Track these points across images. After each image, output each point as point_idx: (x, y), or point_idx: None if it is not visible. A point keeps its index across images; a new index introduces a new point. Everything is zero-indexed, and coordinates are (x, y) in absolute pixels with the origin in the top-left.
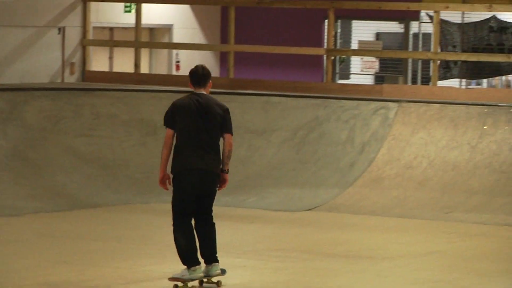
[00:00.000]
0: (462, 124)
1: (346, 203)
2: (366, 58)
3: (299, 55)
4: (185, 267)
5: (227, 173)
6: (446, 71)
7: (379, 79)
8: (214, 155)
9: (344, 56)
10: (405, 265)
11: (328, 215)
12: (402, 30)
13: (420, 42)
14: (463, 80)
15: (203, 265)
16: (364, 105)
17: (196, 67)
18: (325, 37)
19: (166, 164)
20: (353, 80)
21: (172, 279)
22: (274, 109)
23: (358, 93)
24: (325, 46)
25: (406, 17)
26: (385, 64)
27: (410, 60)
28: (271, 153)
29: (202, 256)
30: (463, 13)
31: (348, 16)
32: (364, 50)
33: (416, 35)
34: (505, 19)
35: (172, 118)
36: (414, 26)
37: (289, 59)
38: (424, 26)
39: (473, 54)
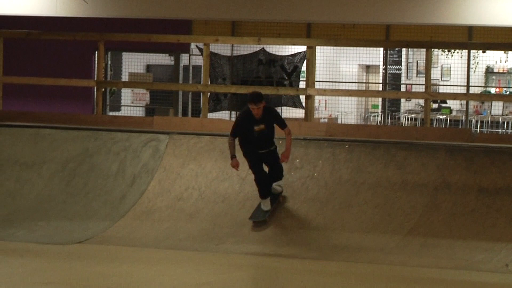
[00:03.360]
0: None
1: (117, 235)
2: (137, 90)
3: (70, 87)
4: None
5: None
6: (216, 103)
7: (150, 111)
8: None
9: (114, 88)
10: None
11: (99, 247)
12: (172, 62)
13: (190, 74)
14: (233, 112)
15: None
16: (135, 137)
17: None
18: (96, 69)
19: None
20: (124, 112)
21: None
22: (43, 141)
23: (129, 125)
24: (96, 78)
25: (177, 49)
26: (156, 96)
27: (180, 92)
28: (40, 186)
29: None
30: (232, 46)
31: (118, 48)
32: (134, 82)
33: (186, 67)
34: (273, 52)
35: None
36: (185, 58)
37: (60, 91)
38: (194, 58)
39: (242, 87)
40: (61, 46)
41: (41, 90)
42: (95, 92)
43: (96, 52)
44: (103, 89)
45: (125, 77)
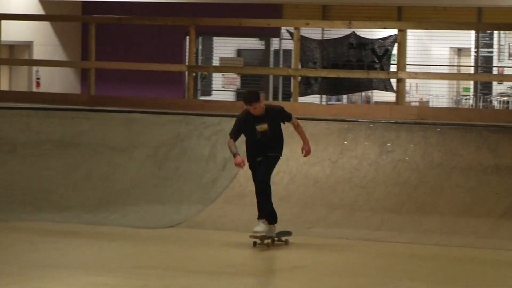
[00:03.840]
0: (323, 140)
1: (209, 219)
2: (227, 74)
3: (161, 71)
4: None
5: None
6: (307, 87)
7: (240, 95)
8: None
9: (205, 72)
10: (269, 280)
11: (190, 231)
12: (263, 47)
13: (281, 59)
14: (324, 96)
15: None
16: (226, 121)
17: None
18: (187, 53)
19: None
20: (215, 96)
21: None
22: (135, 126)
23: (220, 110)
24: (187, 63)
25: (267, 33)
26: (246, 81)
27: (271, 77)
28: (133, 170)
29: None
30: (323, 30)
31: (209, 32)
32: (225, 66)
33: (277, 52)
34: (364, 36)
35: None
36: (275, 43)
37: (151, 76)
38: (285, 42)
39: (333, 71)
40: (153, 31)
41: (133, 74)
42: (187, 77)
43: (187, 37)
44: (194, 74)
45: (216, 62)
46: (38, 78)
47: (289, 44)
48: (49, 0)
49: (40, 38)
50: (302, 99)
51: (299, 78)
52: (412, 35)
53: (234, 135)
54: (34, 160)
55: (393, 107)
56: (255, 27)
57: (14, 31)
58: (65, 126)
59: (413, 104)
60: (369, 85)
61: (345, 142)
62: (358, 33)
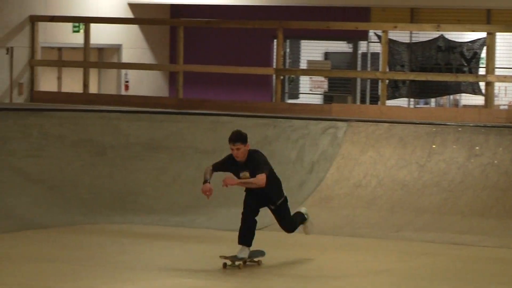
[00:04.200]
0: (410, 143)
1: None
2: (315, 77)
3: (248, 74)
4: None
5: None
6: (395, 90)
7: (328, 98)
8: None
9: (293, 75)
10: (356, 284)
11: (276, 234)
12: (350, 50)
13: (369, 62)
14: (412, 99)
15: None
16: (313, 124)
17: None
18: (274, 56)
19: None
20: (302, 99)
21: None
22: (223, 129)
23: (307, 113)
24: (274, 66)
25: (355, 36)
26: (334, 84)
27: (358, 80)
28: (220, 173)
29: None
30: (411, 33)
31: (296, 35)
32: (312, 69)
33: (364, 55)
34: (452, 39)
35: None
36: (363, 46)
37: (238, 79)
38: (373, 45)
39: (421, 74)
40: (240, 34)
41: (221, 78)
42: (274, 80)
43: (275, 40)
44: (281, 77)
45: (303, 65)
46: (127, 81)
47: (377, 47)
48: (138, 3)
49: (129, 41)
50: (389, 102)
51: (387, 81)
52: (501, 38)
53: (216, 167)
54: (122, 163)
55: (482, 111)
56: (343, 30)
57: (103, 35)
58: (154, 129)
59: (502, 107)
60: (458, 88)
61: (433, 146)
62: (446, 36)
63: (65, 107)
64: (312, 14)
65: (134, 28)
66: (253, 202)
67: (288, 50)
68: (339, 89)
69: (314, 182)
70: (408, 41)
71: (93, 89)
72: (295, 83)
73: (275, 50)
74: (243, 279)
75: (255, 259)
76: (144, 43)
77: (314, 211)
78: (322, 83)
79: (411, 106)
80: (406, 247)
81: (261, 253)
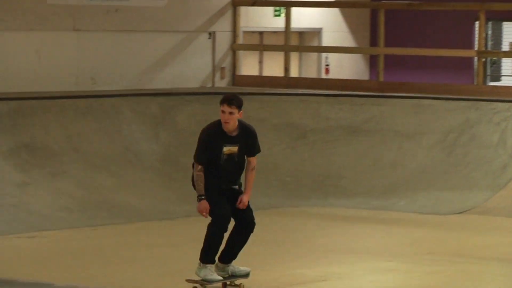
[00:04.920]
0: None
1: (498, 206)
2: None
3: (448, 57)
4: None
5: None
6: None
7: None
8: None
9: (495, 58)
10: None
11: (478, 218)
12: None
13: None
14: None
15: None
16: None
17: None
18: (476, 39)
19: None
20: (504, 82)
21: None
22: (424, 112)
23: (510, 95)
24: (476, 48)
25: None
26: None
27: None
28: (421, 156)
29: None
30: None
31: (499, 17)
32: None
33: None
34: None
35: None
36: None
37: (438, 62)
38: None
39: None
40: (441, 16)
41: (422, 60)
42: (476, 62)
43: (477, 22)
44: (483, 59)
45: (505, 47)
46: (327, 65)
47: None
48: None
49: (330, 25)
50: None
51: None
52: None
53: (202, 157)
54: (323, 146)
55: None
56: None
57: (305, 19)
58: (354, 113)
59: None
60: None
61: None
62: None
63: (266, 91)
64: None
65: (334, 12)
66: (224, 205)
67: (490, 32)
68: None
69: None
70: None
71: (294, 72)
72: (497, 66)
73: (476, 32)
74: (446, 264)
75: (237, 282)
76: (345, 27)
77: None
78: None
79: None
80: None
81: (246, 275)
